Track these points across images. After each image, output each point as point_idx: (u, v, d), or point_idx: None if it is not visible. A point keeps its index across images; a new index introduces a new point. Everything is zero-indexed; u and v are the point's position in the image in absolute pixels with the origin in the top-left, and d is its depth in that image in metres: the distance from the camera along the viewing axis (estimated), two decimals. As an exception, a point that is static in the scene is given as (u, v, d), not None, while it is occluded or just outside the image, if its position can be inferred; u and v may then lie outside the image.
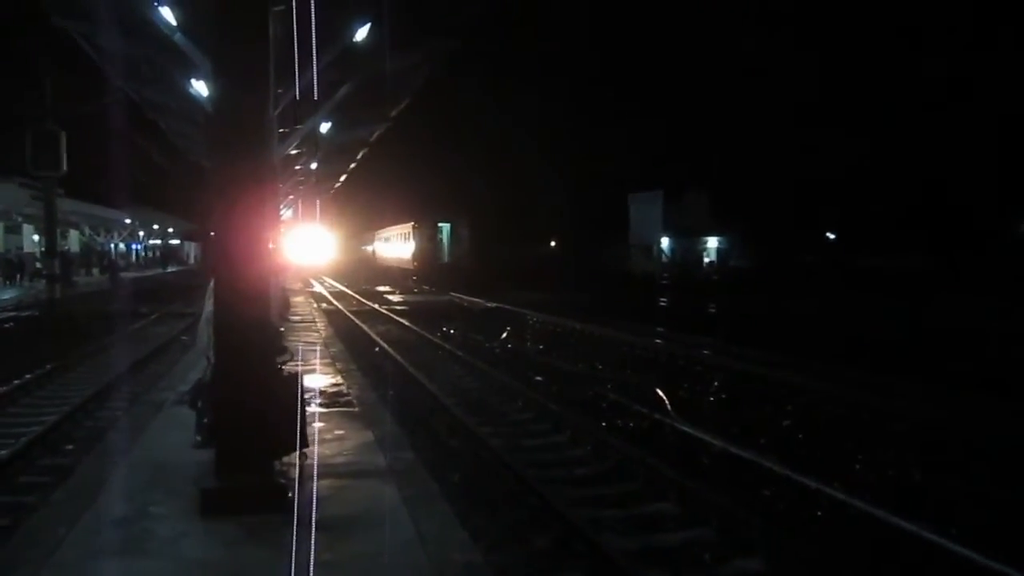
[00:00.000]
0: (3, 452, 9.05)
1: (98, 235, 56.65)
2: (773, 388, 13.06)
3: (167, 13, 12.86)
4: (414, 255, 51.15)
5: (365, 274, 55.40)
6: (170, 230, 79.66)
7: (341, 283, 44.85)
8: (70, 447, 9.80)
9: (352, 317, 25.29)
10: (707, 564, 6.36)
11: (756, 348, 16.78)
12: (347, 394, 10.61)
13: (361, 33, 14.82)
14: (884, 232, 51.86)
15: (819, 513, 7.40)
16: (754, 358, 15.65)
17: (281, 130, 18.02)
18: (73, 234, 50.67)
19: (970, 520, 7.03)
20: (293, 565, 4.63)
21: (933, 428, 10.27)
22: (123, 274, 47.46)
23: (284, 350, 7.24)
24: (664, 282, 47.67)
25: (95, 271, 49.31)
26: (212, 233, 6.38)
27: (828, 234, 61.37)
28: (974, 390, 12.24)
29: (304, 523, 5.24)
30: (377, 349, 18.37)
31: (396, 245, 57.49)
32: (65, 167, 27.33)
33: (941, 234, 47.84)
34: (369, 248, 71.19)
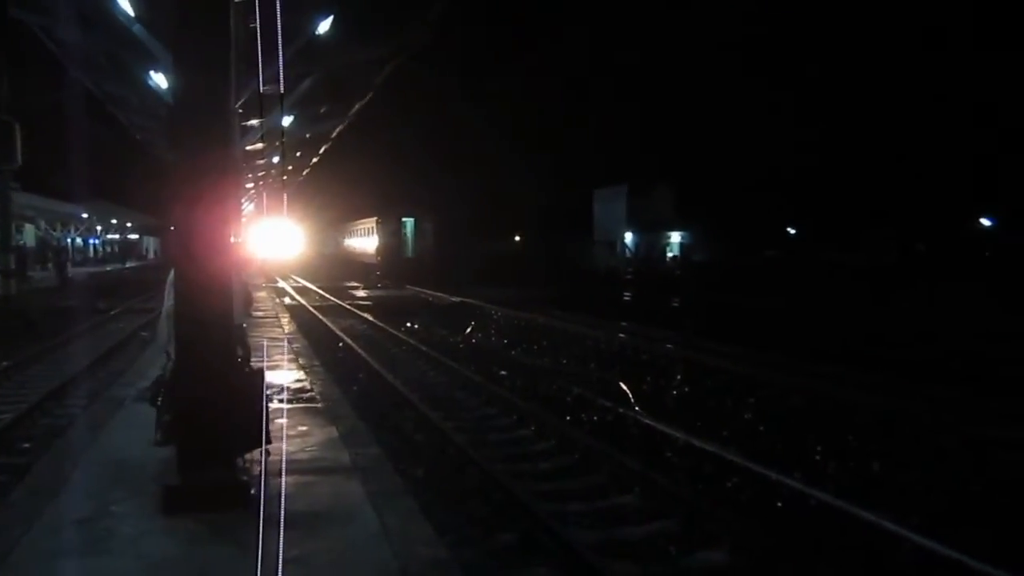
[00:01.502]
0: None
1: (54, 230, 55.66)
2: (735, 381, 13.19)
3: (126, 4, 12.68)
4: (378, 250, 50.91)
5: (331, 270, 54.95)
6: (128, 225, 78.53)
7: (306, 279, 44.45)
8: (27, 445, 9.62)
9: (316, 312, 25.12)
10: (672, 556, 6.41)
11: (719, 342, 16.94)
12: (310, 390, 10.54)
13: (324, 26, 14.73)
14: (845, 227, 52.67)
15: (780, 504, 7.49)
16: (717, 352, 15.79)
17: (245, 123, 17.86)
18: (28, 228, 49.69)
19: (926, 509, 7.18)
20: (259, 562, 4.58)
21: (893, 419, 10.43)
22: (79, 269, 46.61)
23: (246, 354, 7.13)
24: (628, 277, 47.92)
25: (51, 266, 48.38)
26: (172, 227, 6.29)
27: (788, 229, 62.15)
28: (935, 382, 12.46)
29: (268, 520, 5.19)
30: (341, 344, 18.27)
31: (361, 240, 57.16)
32: (20, 160, 26.84)
33: (902, 229, 48.70)
34: (336, 243, 70.68)
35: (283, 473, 6.35)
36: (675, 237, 63.79)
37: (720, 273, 43.25)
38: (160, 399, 6.43)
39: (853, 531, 6.73)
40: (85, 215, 60.51)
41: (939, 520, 6.83)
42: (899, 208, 49.81)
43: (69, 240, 60.43)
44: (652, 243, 62.57)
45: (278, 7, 5.70)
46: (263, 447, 6.31)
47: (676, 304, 31.20)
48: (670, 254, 62.59)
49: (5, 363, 14.52)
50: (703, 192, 57.19)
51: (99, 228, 69.75)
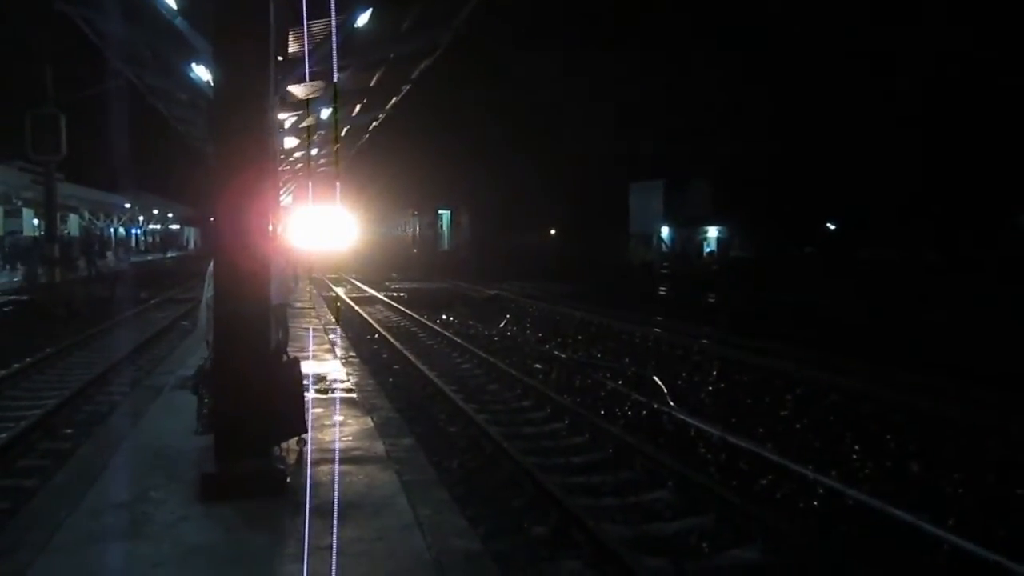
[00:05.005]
0: (2, 436, 9.07)
1: (98, 219, 56.59)
2: (771, 377, 13.07)
3: (168, -3, 12.81)
4: (415, 242, 51.17)
5: (367, 262, 55.07)
6: (170, 215, 79.72)
7: (341, 269, 44.65)
8: (69, 431, 9.82)
9: (352, 304, 25.32)
10: (705, 553, 6.38)
11: (755, 338, 16.79)
12: (346, 380, 10.63)
13: (363, 19, 14.76)
14: (885, 223, 51.86)
15: (815, 503, 7.43)
16: (753, 348, 15.66)
17: (287, 115, 18.03)
18: (73, 218, 50.58)
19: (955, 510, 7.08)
20: (306, 549, 4.65)
21: (936, 419, 10.28)
22: (118, 260, 47.02)
23: (284, 337, 7.25)
24: (664, 271, 47.63)
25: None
26: (212, 218, 6.37)
27: (828, 224, 61.33)
28: (972, 382, 12.23)
29: (303, 508, 5.26)
30: (376, 336, 18.39)
31: (399, 232, 57.40)
32: (65, 151, 27.32)
33: (943, 225, 47.81)
34: (374, 234, 70.91)
35: (336, 461, 6.44)
36: (712, 232, 63.22)
37: (757, 269, 42.78)
38: (201, 389, 6.55)
39: (888, 531, 6.66)
40: (127, 205, 61.48)
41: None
42: (940, 205, 48.91)
43: (112, 230, 61.40)
44: (689, 238, 62.05)
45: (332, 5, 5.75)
46: (302, 436, 6.45)
47: (712, 300, 30.94)
48: (707, 249, 62.03)
49: (49, 349, 14.83)
50: (740, 186, 56.54)
51: (141, 218, 70.84)
